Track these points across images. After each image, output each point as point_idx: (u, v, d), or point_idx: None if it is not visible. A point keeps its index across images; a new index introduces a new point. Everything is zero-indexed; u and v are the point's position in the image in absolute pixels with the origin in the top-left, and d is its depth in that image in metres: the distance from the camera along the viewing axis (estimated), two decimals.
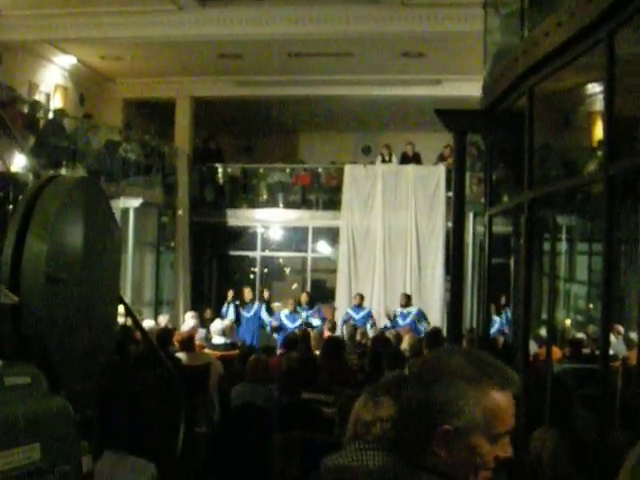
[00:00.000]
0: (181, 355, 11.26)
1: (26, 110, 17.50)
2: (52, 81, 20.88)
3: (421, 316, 18.07)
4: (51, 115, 18.32)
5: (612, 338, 13.32)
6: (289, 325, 18.12)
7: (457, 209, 8.76)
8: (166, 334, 11.43)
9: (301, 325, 17.28)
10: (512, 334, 8.76)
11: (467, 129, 8.86)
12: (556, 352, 11.60)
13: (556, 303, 17.18)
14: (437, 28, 16.99)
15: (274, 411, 7.95)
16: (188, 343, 11.60)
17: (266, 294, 20.10)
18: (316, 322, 18.01)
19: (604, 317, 5.61)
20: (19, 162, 14.91)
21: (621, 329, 15.05)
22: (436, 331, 12.17)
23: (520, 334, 7.38)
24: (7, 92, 16.84)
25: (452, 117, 8.86)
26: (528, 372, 7.42)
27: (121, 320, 14.54)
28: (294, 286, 23.89)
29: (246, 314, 18.86)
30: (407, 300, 18.56)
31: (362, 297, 19.28)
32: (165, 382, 7.98)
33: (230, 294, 19.66)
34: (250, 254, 23.06)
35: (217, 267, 23.93)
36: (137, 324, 7.06)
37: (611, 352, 11.89)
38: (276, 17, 17.88)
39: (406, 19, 17.40)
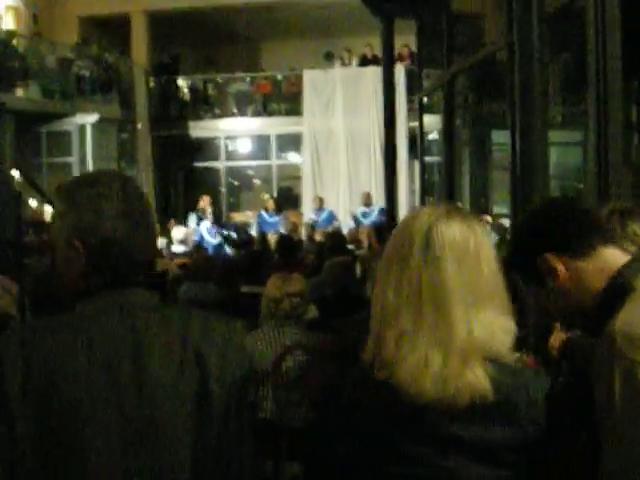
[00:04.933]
0: None
1: None
2: (3, 2, 20.60)
3: (383, 214, 17.99)
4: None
5: None
6: (210, 241, 16.93)
7: (387, 100, 8.78)
8: None
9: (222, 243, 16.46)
10: None
11: (394, 15, 8.84)
12: None
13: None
14: None
15: (212, 304, 8.08)
16: None
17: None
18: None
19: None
20: None
21: (489, 219, 15.10)
22: (381, 226, 12.35)
23: None
24: None
25: (379, 3, 8.84)
26: None
27: None
28: (266, 196, 23.84)
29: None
30: (368, 199, 18.66)
31: (321, 200, 19.38)
32: None
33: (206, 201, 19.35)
34: (215, 165, 23.07)
35: (183, 179, 23.93)
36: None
37: None
38: None
39: None
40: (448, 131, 7.11)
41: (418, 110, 8.85)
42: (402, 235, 2.06)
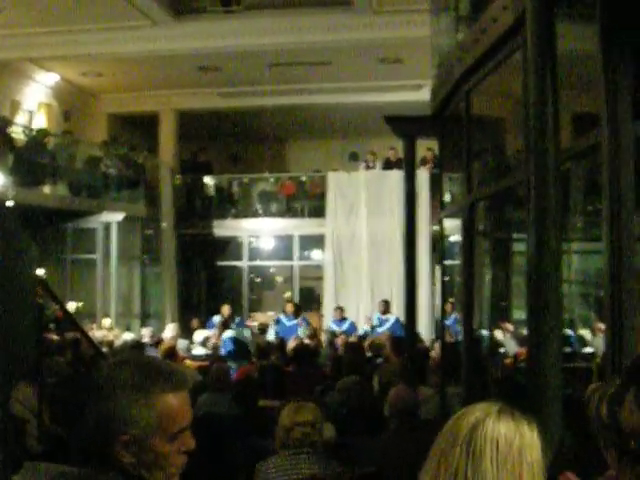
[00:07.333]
0: None
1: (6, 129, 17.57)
2: (36, 99, 21.03)
3: (398, 326, 17.24)
4: (31, 133, 18.41)
5: (500, 335, 13.41)
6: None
7: (408, 212, 8.88)
8: (138, 346, 11.58)
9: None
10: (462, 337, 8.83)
11: (415, 135, 8.97)
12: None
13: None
14: (409, 34, 16.86)
15: (229, 420, 8.04)
16: (169, 353, 11.75)
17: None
18: None
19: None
20: None
21: (510, 327, 15.01)
22: (399, 338, 12.29)
23: (464, 337, 7.48)
24: None
25: (400, 123, 8.97)
26: (474, 377, 7.51)
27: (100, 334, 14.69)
28: (287, 294, 23.78)
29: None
30: (386, 307, 18.54)
31: (342, 310, 19.21)
32: None
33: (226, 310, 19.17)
34: (238, 264, 23.14)
35: (205, 278, 24.02)
36: (83, 333, 7.19)
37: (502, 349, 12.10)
38: (249, 29, 18.01)
39: (379, 26, 17.53)
40: (466, 262, 7.12)
41: (439, 227, 8.92)
42: (450, 429, 2.11)
